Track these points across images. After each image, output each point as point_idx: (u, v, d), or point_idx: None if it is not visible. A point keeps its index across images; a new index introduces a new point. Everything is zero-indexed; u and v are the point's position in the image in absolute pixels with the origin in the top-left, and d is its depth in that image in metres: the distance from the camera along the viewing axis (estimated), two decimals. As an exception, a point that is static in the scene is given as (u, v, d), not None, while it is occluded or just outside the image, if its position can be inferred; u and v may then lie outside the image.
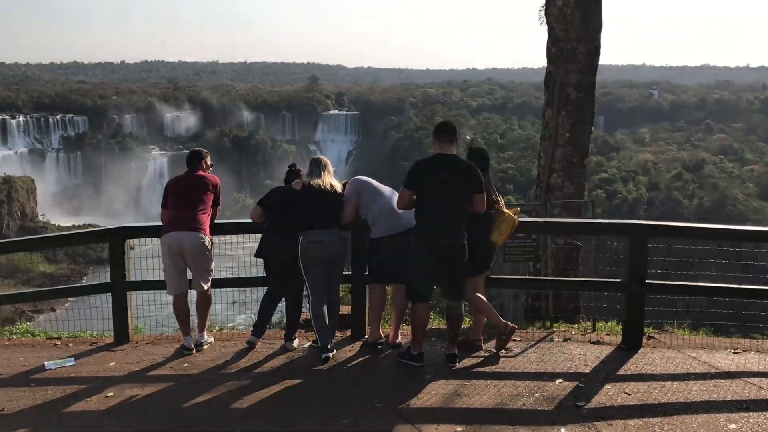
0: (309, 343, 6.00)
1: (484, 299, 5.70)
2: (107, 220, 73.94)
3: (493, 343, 5.88)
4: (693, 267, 6.80)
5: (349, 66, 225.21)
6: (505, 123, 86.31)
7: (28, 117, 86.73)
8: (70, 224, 69.47)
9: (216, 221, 6.10)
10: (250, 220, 6.05)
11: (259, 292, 6.20)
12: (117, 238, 6.12)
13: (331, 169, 5.91)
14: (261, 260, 5.92)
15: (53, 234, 7.74)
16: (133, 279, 6.32)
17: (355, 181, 5.92)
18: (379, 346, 5.85)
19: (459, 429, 4.35)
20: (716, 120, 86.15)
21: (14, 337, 6.69)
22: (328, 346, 5.60)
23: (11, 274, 63.10)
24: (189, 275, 5.93)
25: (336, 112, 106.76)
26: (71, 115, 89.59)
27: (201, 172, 6.02)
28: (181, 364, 5.62)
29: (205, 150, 6.18)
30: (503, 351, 5.74)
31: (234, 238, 6.50)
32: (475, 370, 5.40)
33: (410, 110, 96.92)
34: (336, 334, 6.02)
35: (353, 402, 4.81)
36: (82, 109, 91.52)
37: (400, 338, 5.95)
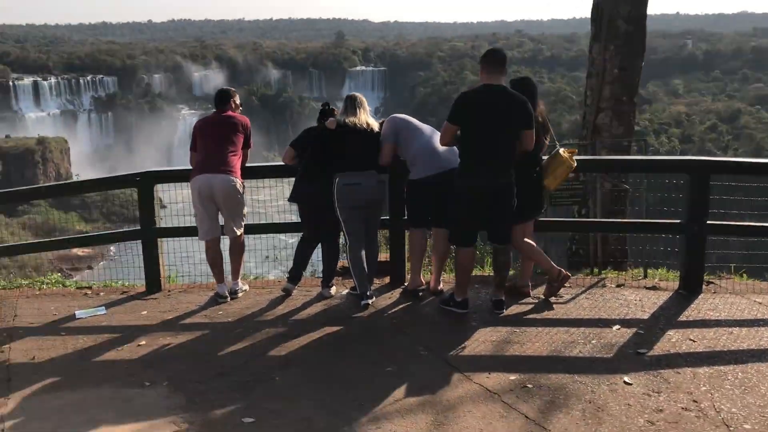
0: (347, 291, 5.73)
1: (534, 244, 5.34)
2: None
3: (541, 289, 5.54)
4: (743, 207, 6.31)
5: (375, 21, 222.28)
6: (534, 76, 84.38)
7: (59, 78, 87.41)
8: (103, 184, 70.29)
9: (247, 164, 5.80)
10: (282, 163, 5.73)
11: (294, 240, 5.91)
12: (145, 183, 5.86)
13: (368, 108, 5.54)
14: (295, 205, 5.62)
15: (82, 179, 7.50)
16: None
17: (393, 119, 5.55)
18: (420, 293, 5.55)
19: (512, 377, 4.05)
20: (753, 69, 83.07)
21: (45, 287, 6.54)
22: (367, 293, 5.32)
23: (48, 234, 64.40)
24: (221, 221, 5.67)
25: (363, 68, 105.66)
26: (101, 76, 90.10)
27: (230, 112, 5.70)
28: (215, 312, 5.40)
29: (233, 89, 5.84)
30: (553, 298, 5.40)
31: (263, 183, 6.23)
32: (524, 317, 5.07)
33: (438, 65, 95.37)
34: (374, 281, 5.74)
35: (396, 350, 4.54)
36: (111, 69, 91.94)
37: (441, 285, 5.65)
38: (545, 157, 5.27)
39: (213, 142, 5.56)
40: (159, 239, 6.00)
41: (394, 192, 5.67)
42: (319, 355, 4.51)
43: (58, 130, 77.41)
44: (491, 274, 5.83)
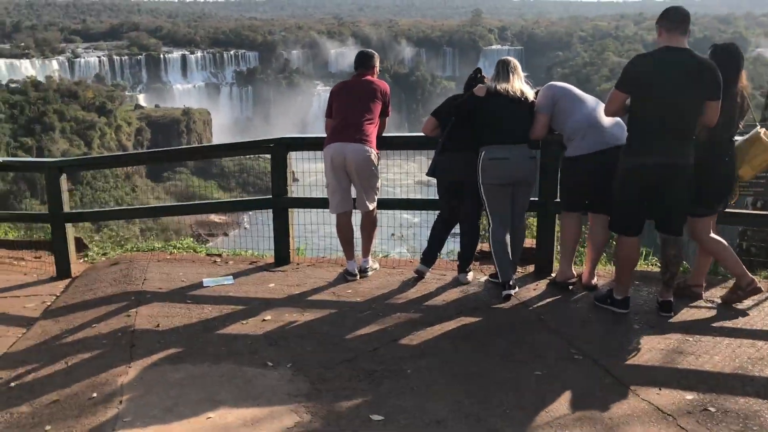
0: (485, 278, 5.18)
1: (723, 241, 4.52)
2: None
3: (715, 292, 4.73)
4: None
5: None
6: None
7: (205, 52, 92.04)
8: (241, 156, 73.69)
9: (383, 134, 5.37)
10: (421, 134, 5.24)
11: (418, 219, 5.43)
12: (279, 149, 5.57)
13: (522, 74, 4.92)
14: (434, 180, 5.13)
15: (217, 143, 7.42)
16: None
17: (551, 87, 4.88)
18: (570, 287, 4.90)
19: (689, 397, 3.36)
20: None
21: (176, 251, 6.49)
22: (510, 282, 4.74)
23: (189, 199, 68.54)
24: (354, 194, 5.29)
25: (498, 47, 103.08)
26: (243, 51, 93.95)
27: (370, 77, 5.28)
28: (344, 290, 5.04)
29: (375, 53, 5.40)
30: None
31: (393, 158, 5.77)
32: (698, 323, 4.29)
33: (578, 45, 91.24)
34: (517, 270, 5.15)
35: (544, 350, 3.95)
36: (253, 44, 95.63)
37: (595, 279, 4.96)
38: (738, 139, 4.43)
39: (349, 108, 5.16)
40: (290, 210, 5.72)
41: (547, 170, 5.03)
42: (456, 348, 4.01)
43: (201, 102, 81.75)
44: (656, 269, 5.06)
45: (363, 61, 5.27)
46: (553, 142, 4.93)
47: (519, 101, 4.73)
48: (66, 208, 5.99)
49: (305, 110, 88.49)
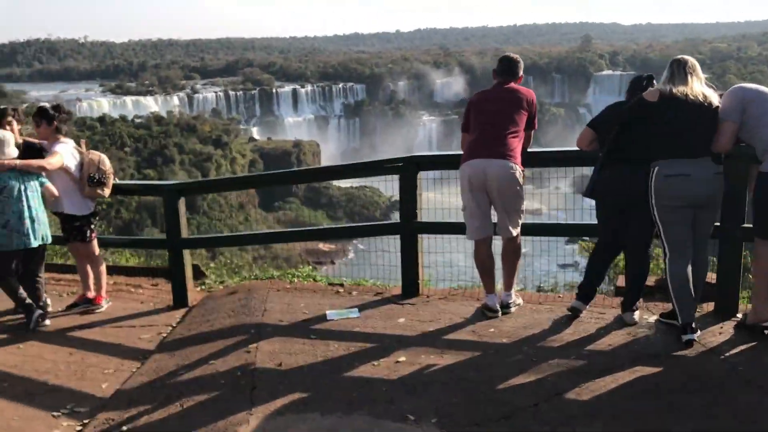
0: (655, 318, 4.35)
1: None
2: (380, 182, 77.85)
3: None
4: None
5: (626, 23, 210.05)
6: (821, 78, 72.71)
7: (314, 86, 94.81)
8: (348, 185, 74.81)
9: (528, 149, 4.69)
10: (574, 148, 4.53)
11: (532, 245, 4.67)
12: (408, 169, 5.02)
13: (702, 75, 4.13)
14: (592, 202, 4.39)
15: (339, 164, 7.00)
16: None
17: (739, 90, 4.06)
18: (765, 331, 3.99)
19: None
20: None
21: (296, 280, 6.05)
22: (692, 325, 3.90)
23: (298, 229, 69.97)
24: (494, 217, 4.64)
25: (609, 72, 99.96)
26: (351, 84, 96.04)
27: (513, 85, 4.64)
28: (485, 329, 4.36)
29: (519, 58, 4.75)
30: None
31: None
32: None
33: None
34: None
35: (754, 414, 3.11)
36: (360, 77, 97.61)
37: (798, 322, 4.02)
38: None
39: (491, 120, 4.54)
40: (419, 236, 5.13)
41: (731, 188, 4.17)
42: (636, 408, 3.24)
43: (311, 134, 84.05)
44: None
45: (507, 68, 4.65)
46: (741, 156, 4.08)
47: (700, 107, 3.93)
48: (184, 234, 5.70)
49: (411, 140, 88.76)
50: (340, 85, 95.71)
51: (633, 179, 4.08)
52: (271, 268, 7.30)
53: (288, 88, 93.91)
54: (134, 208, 53.98)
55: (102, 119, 66.35)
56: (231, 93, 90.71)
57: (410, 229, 5.06)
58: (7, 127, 5.30)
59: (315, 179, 7.88)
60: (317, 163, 75.51)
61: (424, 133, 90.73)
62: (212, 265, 8.69)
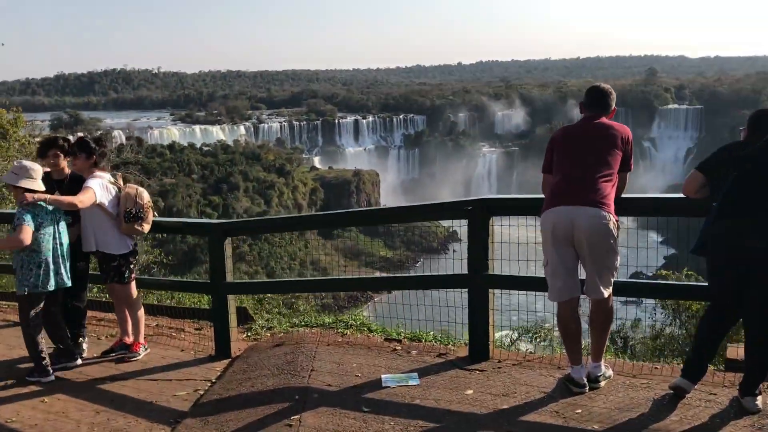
0: (783, 404, 3.56)
1: None
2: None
3: None
4: None
5: (693, 57, 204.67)
6: None
7: (375, 117, 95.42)
8: (407, 215, 74.29)
9: (620, 195, 4.00)
10: (678, 195, 3.83)
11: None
12: (478, 213, 4.38)
13: None
14: (702, 259, 3.66)
15: (400, 206, 6.39)
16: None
17: None
18: None
19: None
20: None
21: (348, 332, 5.43)
22: (838, 420, 3.11)
23: (356, 256, 69.78)
24: (581, 274, 3.95)
25: (675, 106, 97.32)
26: (412, 115, 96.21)
27: (605, 120, 3.98)
28: (571, 410, 3.65)
29: (611, 89, 4.09)
30: None
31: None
32: None
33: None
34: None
35: None
36: (421, 108, 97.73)
37: None
38: None
39: (579, 160, 3.88)
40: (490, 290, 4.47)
41: None
42: None
43: (371, 164, 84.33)
44: None
45: (597, 99, 4.00)
46: None
47: None
48: (229, 278, 5.20)
49: (470, 171, 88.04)
50: (401, 116, 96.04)
51: (755, 233, 3.35)
52: (323, 314, 6.73)
53: (350, 118, 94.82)
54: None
55: (171, 146, 68.24)
56: (295, 123, 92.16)
57: (480, 283, 4.40)
58: (52, 159, 4.97)
59: (372, 222, 7.33)
60: (377, 192, 75.46)
61: (484, 164, 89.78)
62: (261, 304, 8.17)
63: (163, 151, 66.21)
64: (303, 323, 6.00)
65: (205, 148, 69.75)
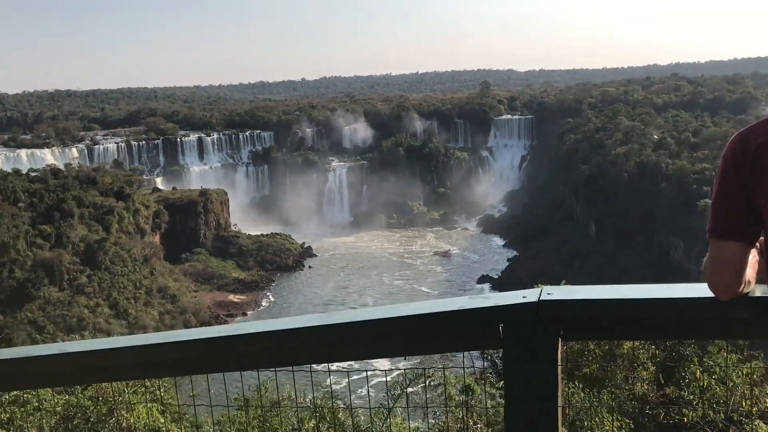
0: None
1: None
2: (292, 228, 77.12)
3: None
4: None
5: (521, 70, 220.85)
6: (696, 120, 78.24)
7: (221, 134, 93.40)
8: (258, 233, 73.32)
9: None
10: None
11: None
12: (533, 331, 2.04)
13: None
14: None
15: (418, 314, 2.71)
16: None
17: None
18: None
19: None
20: None
21: None
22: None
23: (207, 280, 67.73)
24: None
25: (509, 116, 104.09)
26: (258, 131, 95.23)
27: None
28: None
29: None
30: None
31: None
32: None
33: (588, 111, 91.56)
34: None
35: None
36: (267, 124, 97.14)
37: None
38: None
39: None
40: None
41: None
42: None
43: (219, 182, 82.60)
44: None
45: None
46: None
47: None
48: None
49: (322, 185, 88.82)
50: (248, 133, 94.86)
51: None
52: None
53: (193, 136, 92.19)
54: (29, 266, 50.79)
55: (-7, 173, 62.62)
56: (133, 143, 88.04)
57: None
58: None
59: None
60: (225, 212, 73.84)
61: (334, 178, 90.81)
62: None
63: (-19, 179, 60.64)
64: None
65: (33, 174, 64.76)
